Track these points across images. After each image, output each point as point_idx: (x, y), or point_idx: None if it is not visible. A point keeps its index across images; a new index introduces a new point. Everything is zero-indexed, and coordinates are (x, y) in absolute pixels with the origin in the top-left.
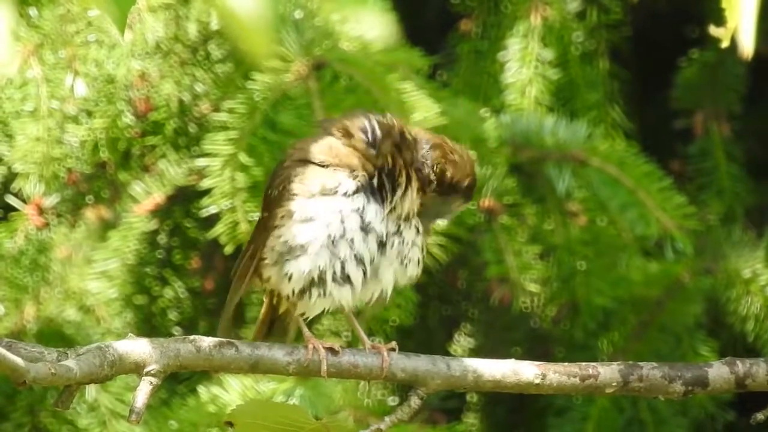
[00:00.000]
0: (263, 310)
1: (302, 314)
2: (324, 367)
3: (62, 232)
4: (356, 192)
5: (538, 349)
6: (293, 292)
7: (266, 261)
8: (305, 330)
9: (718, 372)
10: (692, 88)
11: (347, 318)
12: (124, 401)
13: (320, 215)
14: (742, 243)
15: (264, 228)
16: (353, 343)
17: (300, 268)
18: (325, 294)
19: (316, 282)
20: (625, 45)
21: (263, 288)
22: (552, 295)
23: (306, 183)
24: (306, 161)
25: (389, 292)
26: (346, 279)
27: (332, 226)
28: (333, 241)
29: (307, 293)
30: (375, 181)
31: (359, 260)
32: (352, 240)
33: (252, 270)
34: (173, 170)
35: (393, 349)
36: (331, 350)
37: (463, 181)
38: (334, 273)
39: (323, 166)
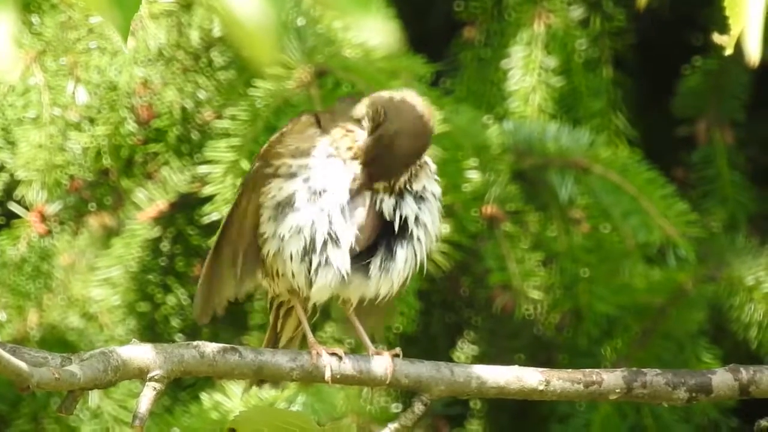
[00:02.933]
0: (267, 336)
1: (307, 312)
2: (328, 374)
3: (65, 240)
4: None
5: (541, 356)
6: (291, 257)
7: (265, 235)
8: (309, 336)
9: (722, 379)
10: (695, 95)
11: (351, 323)
12: (128, 408)
13: (301, 172)
14: (745, 250)
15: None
16: (357, 350)
17: (288, 223)
18: (324, 260)
19: (309, 245)
20: (628, 52)
21: (269, 292)
22: (555, 302)
23: (289, 145)
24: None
25: (399, 281)
26: (336, 238)
27: (312, 180)
28: (316, 193)
29: (306, 262)
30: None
31: (345, 216)
32: (333, 193)
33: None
34: (176, 177)
35: (397, 355)
36: (335, 356)
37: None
38: (326, 233)
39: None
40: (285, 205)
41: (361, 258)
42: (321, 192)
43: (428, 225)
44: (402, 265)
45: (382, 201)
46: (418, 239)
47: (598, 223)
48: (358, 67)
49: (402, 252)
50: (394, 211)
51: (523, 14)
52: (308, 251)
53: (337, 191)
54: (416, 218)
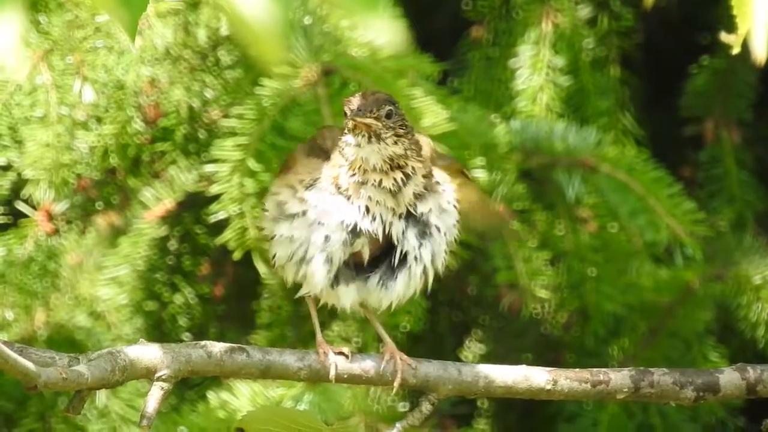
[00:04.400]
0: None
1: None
2: (332, 372)
3: (72, 239)
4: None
5: (548, 355)
6: (289, 260)
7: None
8: (318, 334)
9: (729, 378)
10: (703, 95)
11: (369, 320)
12: (135, 407)
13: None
14: (753, 249)
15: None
16: (363, 349)
17: (286, 236)
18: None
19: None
20: (636, 52)
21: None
22: (562, 301)
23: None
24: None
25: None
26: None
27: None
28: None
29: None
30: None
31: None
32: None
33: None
34: (183, 176)
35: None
36: (342, 355)
37: None
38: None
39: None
40: (286, 218)
41: (368, 268)
42: (319, 221)
43: (427, 263)
44: (402, 287)
45: (391, 224)
46: (416, 273)
47: (605, 222)
48: (365, 66)
49: (402, 277)
50: (399, 238)
51: (531, 13)
52: (300, 263)
53: (334, 222)
54: (416, 257)
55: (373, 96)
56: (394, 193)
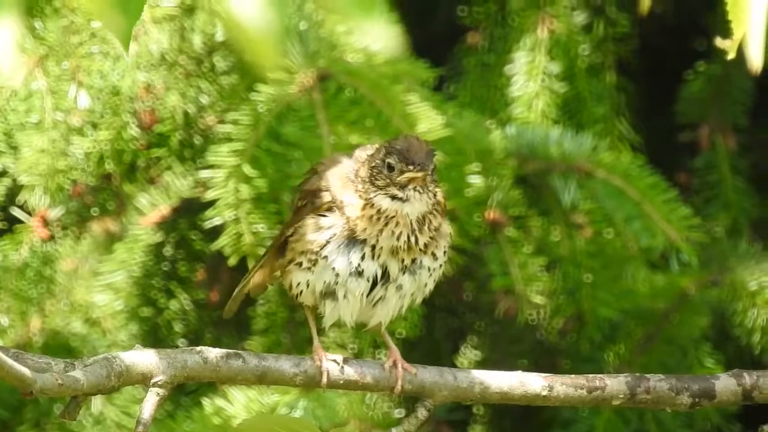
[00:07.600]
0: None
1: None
2: (324, 380)
3: (67, 245)
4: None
5: (544, 361)
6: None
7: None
8: (315, 340)
9: (725, 384)
10: (698, 101)
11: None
12: (130, 414)
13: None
14: (748, 255)
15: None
16: (359, 355)
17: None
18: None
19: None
20: (631, 58)
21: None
22: (558, 307)
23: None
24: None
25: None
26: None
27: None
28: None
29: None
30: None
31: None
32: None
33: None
34: (178, 182)
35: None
36: (336, 362)
37: None
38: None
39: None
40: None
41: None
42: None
43: (406, 295)
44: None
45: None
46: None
47: (601, 228)
48: (361, 72)
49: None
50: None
51: (527, 20)
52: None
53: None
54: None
55: (420, 144)
56: (410, 248)
